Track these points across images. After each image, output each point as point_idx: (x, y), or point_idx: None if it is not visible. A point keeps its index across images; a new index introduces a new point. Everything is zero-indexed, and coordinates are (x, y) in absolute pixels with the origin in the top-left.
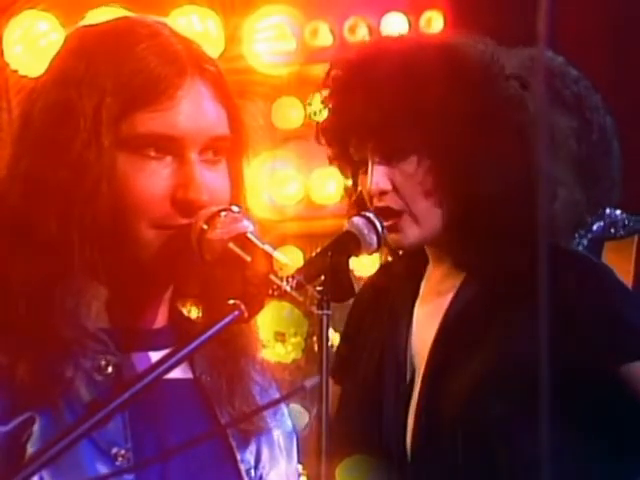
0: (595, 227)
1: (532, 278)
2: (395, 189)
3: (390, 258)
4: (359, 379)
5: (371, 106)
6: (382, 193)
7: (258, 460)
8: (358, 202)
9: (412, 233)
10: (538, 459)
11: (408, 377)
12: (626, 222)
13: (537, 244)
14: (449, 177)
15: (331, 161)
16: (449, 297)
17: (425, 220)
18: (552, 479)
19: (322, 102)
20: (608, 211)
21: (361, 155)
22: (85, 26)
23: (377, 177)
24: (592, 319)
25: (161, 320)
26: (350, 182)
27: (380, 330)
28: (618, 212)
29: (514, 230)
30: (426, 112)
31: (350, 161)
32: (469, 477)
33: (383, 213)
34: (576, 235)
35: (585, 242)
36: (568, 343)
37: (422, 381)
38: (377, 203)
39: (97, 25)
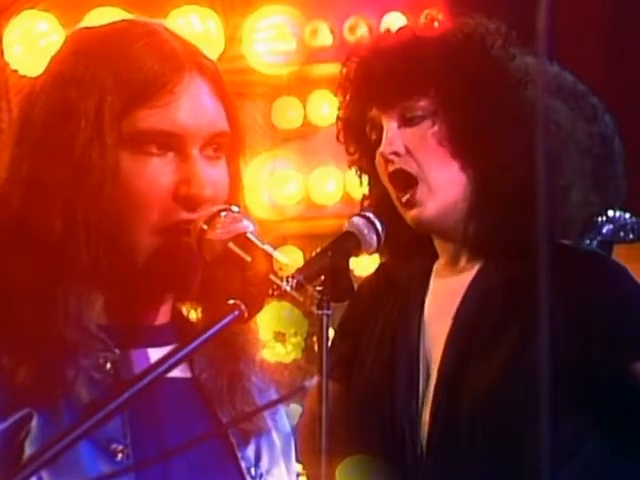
0: (604, 230)
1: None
2: (408, 151)
3: (391, 257)
4: (367, 375)
5: (384, 73)
6: (395, 154)
7: (258, 458)
8: (379, 205)
9: (429, 205)
10: (559, 452)
11: (422, 373)
12: (635, 226)
13: (544, 232)
14: (465, 141)
15: (351, 165)
16: (460, 292)
17: (440, 188)
18: (570, 476)
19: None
20: (617, 214)
21: (377, 130)
22: (83, 28)
23: (390, 138)
24: (610, 317)
25: (163, 317)
26: (370, 186)
27: (387, 327)
28: (627, 216)
29: (528, 201)
30: (439, 73)
31: (369, 160)
32: (488, 470)
33: (398, 181)
34: (585, 238)
35: (594, 244)
36: (586, 340)
37: (438, 375)
38: (390, 167)
39: (95, 27)
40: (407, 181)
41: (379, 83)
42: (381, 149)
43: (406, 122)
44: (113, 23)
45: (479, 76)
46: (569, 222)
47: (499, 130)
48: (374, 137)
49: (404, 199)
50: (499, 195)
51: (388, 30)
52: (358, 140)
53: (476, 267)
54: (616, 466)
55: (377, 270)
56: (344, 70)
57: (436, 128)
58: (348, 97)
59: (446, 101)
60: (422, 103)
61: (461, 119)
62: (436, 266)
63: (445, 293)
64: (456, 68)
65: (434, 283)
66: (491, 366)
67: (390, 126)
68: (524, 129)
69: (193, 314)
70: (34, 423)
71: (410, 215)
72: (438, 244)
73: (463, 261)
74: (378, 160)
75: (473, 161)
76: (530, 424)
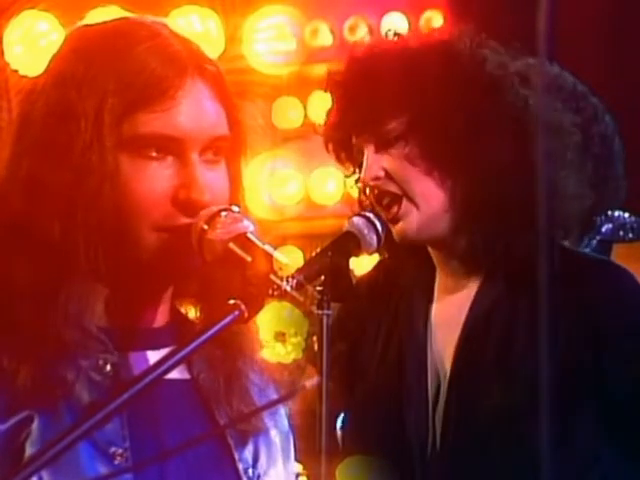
0: (604, 229)
1: (551, 275)
2: (388, 175)
3: (390, 258)
4: (371, 381)
5: (357, 98)
6: (376, 179)
7: (256, 459)
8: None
9: (414, 219)
10: (568, 456)
11: (430, 380)
12: (635, 225)
13: (543, 239)
14: (442, 158)
15: (346, 175)
16: (467, 298)
17: (424, 204)
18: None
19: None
20: (617, 214)
21: (359, 152)
22: (84, 26)
23: (370, 165)
24: (621, 325)
25: (161, 319)
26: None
27: (393, 331)
28: (626, 215)
29: (515, 211)
30: (411, 94)
31: (355, 161)
32: (499, 475)
33: (383, 201)
34: (585, 237)
35: (594, 243)
36: (598, 348)
37: (449, 384)
38: (375, 192)
39: (96, 25)
40: (392, 199)
41: (352, 113)
42: (362, 176)
43: (383, 145)
44: (115, 21)
45: (446, 90)
46: (566, 218)
47: (475, 142)
48: (360, 159)
49: (389, 216)
50: (484, 207)
51: (354, 50)
52: (347, 156)
53: (478, 280)
54: (634, 473)
55: (376, 267)
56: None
57: (408, 149)
58: (330, 122)
59: (415, 120)
60: (395, 125)
61: (431, 137)
62: (438, 278)
63: (450, 303)
64: (421, 87)
65: (438, 294)
66: (501, 375)
67: (368, 151)
68: (503, 134)
69: (193, 314)
70: (35, 425)
71: (395, 230)
72: (432, 253)
73: (462, 273)
74: (361, 186)
75: (450, 176)
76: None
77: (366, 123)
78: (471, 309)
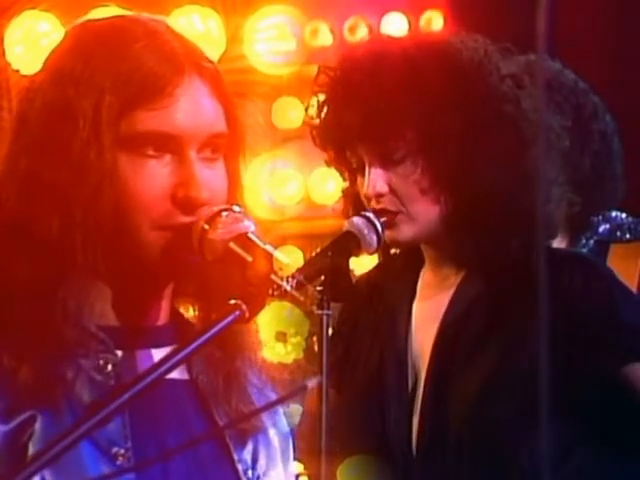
0: (601, 229)
1: (532, 278)
2: (392, 191)
3: (382, 257)
4: (358, 379)
5: (364, 110)
6: (379, 195)
7: (255, 460)
8: (355, 203)
9: (408, 230)
10: (545, 459)
11: (410, 378)
12: (632, 226)
13: (535, 242)
14: (445, 176)
15: (329, 164)
16: (448, 297)
17: (422, 218)
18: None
19: (317, 105)
20: (614, 214)
21: (357, 158)
22: (82, 23)
23: (374, 180)
24: (595, 320)
25: (162, 318)
26: (347, 184)
27: (376, 330)
28: (624, 215)
29: (511, 224)
30: (419, 113)
31: (347, 163)
32: (475, 476)
33: (380, 213)
34: (582, 237)
35: (591, 243)
36: (572, 343)
37: (425, 382)
38: (375, 206)
39: (94, 23)
40: (388, 213)
41: (352, 118)
42: (365, 190)
43: (389, 161)
44: (112, 19)
45: (454, 110)
46: (549, 220)
47: (480, 160)
48: (354, 161)
49: (382, 220)
50: (480, 216)
51: (354, 50)
52: (338, 157)
53: (460, 276)
54: (606, 467)
55: (375, 267)
56: (318, 90)
57: (418, 173)
58: (324, 121)
59: (423, 141)
60: (402, 144)
61: (439, 159)
62: (423, 273)
63: (432, 301)
64: (429, 105)
65: (421, 291)
66: (475, 375)
67: (372, 166)
68: (504, 147)
69: (192, 313)
70: (38, 425)
71: (387, 234)
72: (423, 248)
73: (448, 269)
74: (362, 195)
75: (453, 195)
76: (513, 430)
77: (369, 134)
78: (449, 307)
